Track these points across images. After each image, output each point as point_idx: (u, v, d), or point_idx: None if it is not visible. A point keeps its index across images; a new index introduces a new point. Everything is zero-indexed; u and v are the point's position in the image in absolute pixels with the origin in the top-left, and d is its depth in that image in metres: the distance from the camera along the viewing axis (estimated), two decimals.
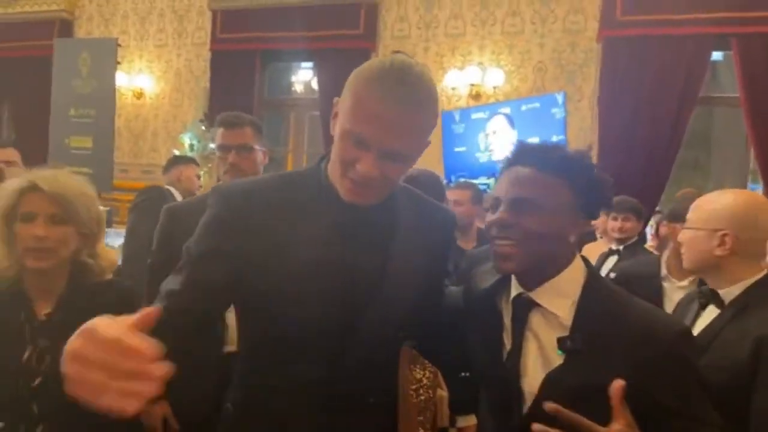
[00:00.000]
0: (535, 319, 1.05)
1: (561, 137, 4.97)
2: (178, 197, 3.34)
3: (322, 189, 1.03)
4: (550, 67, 5.54)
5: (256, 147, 1.90)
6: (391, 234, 1.06)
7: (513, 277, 1.10)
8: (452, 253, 1.23)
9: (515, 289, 1.09)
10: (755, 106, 4.92)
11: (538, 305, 1.05)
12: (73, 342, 0.66)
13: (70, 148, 6.41)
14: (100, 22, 7.39)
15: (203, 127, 6.01)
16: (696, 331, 1.35)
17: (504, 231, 1.03)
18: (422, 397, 1.92)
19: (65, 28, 7.42)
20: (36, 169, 1.31)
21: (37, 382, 1.22)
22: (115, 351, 0.62)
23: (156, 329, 0.68)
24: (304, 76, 7.98)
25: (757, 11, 4.85)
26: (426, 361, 1.78)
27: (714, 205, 1.37)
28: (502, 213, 1.03)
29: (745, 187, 5.91)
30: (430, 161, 4.05)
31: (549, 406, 0.91)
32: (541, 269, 1.04)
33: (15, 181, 1.30)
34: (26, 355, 1.24)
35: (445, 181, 4.76)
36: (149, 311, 0.69)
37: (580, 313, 1.01)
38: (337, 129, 0.98)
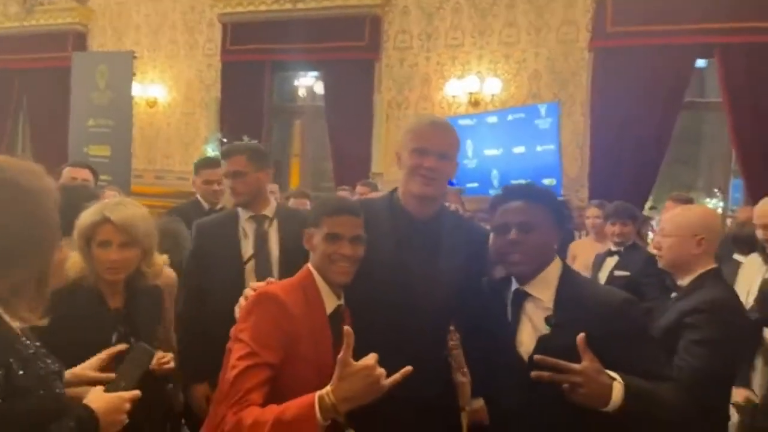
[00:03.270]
0: (528, 306, 1.48)
1: (549, 146, 5.29)
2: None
3: (392, 208, 1.60)
4: (545, 75, 5.88)
5: (249, 171, 2.19)
6: (437, 242, 1.58)
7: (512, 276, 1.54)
8: None
9: (514, 285, 1.52)
10: (736, 110, 5.27)
11: (530, 295, 1.48)
12: None
13: (89, 156, 6.69)
14: (113, 34, 7.69)
15: (224, 140, 6.32)
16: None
17: (515, 246, 1.45)
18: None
19: (79, 40, 7.71)
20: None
21: None
22: None
23: None
24: (306, 82, 8.30)
25: (738, 22, 5.20)
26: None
27: (687, 217, 1.74)
28: (513, 235, 1.45)
29: (729, 182, 6.29)
30: None
31: (536, 357, 1.33)
32: (536, 269, 1.48)
33: (90, 214, 1.67)
34: (114, 338, 1.63)
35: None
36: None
37: (558, 297, 1.45)
38: (403, 158, 1.61)
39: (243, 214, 2.24)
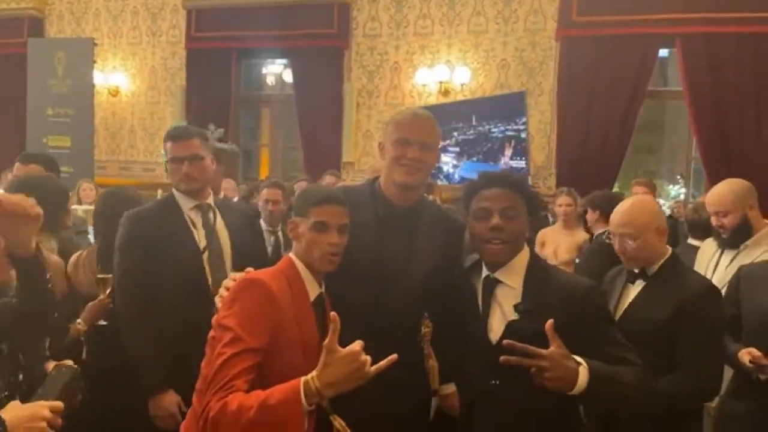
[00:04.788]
0: (498, 292, 1.51)
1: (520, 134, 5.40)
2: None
3: (373, 196, 1.64)
4: (513, 64, 5.93)
5: (205, 155, 2.04)
6: (416, 230, 1.62)
7: (483, 262, 1.55)
8: None
9: (484, 272, 1.54)
10: (696, 99, 5.42)
11: (500, 282, 1.50)
12: None
13: (48, 147, 6.46)
14: (71, 19, 7.41)
15: None
16: (629, 297, 1.77)
17: (498, 233, 1.46)
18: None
19: (36, 26, 7.41)
20: None
21: (21, 376, 1.39)
22: None
23: None
24: (275, 69, 8.18)
25: (698, 13, 5.34)
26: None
27: (648, 213, 1.75)
28: (497, 220, 1.46)
29: (691, 169, 6.50)
30: None
31: (505, 342, 1.36)
32: (511, 257, 1.50)
33: None
34: None
35: None
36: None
37: (526, 283, 1.48)
38: (386, 148, 1.63)
39: (186, 203, 2.04)
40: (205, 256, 2.00)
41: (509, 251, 1.48)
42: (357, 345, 1.22)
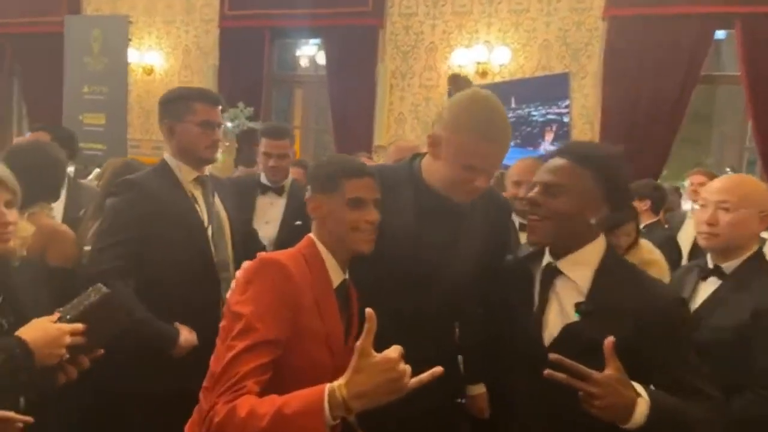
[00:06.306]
0: (559, 284, 1.30)
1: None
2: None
3: (413, 180, 1.43)
4: (555, 45, 5.63)
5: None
6: (460, 213, 1.45)
7: (547, 249, 1.35)
8: None
9: (546, 259, 1.34)
10: (755, 84, 5.04)
11: (561, 273, 1.29)
12: None
13: (83, 124, 6.53)
14: None
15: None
16: (699, 298, 1.54)
17: (534, 209, 1.29)
18: None
19: (74, 3, 7.45)
20: None
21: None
22: None
23: None
24: (308, 51, 8.04)
25: None
26: None
27: (753, 188, 1.50)
28: (534, 193, 1.29)
29: (744, 160, 6.09)
30: None
31: (552, 356, 1.13)
32: (564, 243, 1.29)
33: None
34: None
35: None
36: None
37: (596, 282, 1.25)
38: (448, 158, 1.37)
39: (187, 174, 1.86)
40: (209, 232, 1.84)
41: (545, 234, 1.29)
42: (394, 351, 1.02)
